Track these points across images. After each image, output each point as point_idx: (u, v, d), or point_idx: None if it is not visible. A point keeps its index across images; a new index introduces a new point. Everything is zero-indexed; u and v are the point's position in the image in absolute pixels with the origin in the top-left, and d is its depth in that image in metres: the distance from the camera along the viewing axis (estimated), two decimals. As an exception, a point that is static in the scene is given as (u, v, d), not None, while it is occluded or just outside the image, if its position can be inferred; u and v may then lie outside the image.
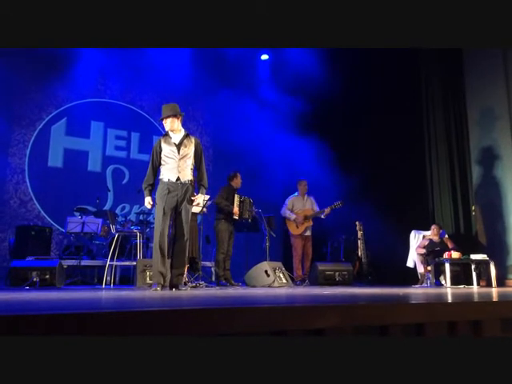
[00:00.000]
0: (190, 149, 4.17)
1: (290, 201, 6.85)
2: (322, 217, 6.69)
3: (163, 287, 3.95)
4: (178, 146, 4.11)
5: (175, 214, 4.08)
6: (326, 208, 6.62)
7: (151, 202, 4.15)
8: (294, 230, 6.72)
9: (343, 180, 7.35)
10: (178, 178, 4.07)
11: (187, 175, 4.13)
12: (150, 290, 3.92)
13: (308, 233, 6.75)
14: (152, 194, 4.19)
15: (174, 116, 4.14)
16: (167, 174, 4.10)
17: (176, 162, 4.08)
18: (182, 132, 4.22)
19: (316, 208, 6.82)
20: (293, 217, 6.68)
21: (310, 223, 6.73)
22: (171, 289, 3.99)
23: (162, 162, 4.13)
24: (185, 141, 4.16)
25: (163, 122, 4.19)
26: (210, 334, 1.51)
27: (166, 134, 4.21)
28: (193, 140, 4.23)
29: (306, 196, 6.89)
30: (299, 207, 6.78)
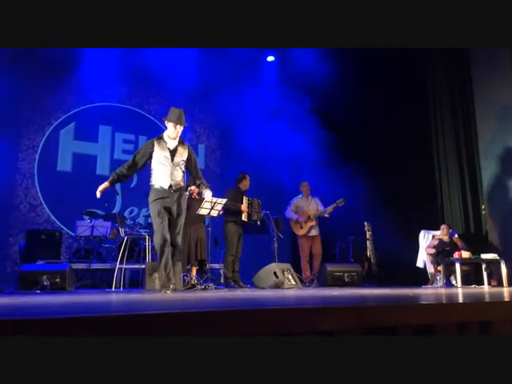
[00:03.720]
0: (183, 156, 4.10)
1: (293, 202, 6.88)
2: (326, 215, 6.67)
3: (175, 290, 3.96)
4: (173, 153, 4.04)
5: (168, 220, 4.00)
6: (328, 207, 6.62)
7: (101, 190, 4.05)
8: (298, 230, 6.73)
9: (351, 180, 7.31)
10: (171, 186, 3.99)
11: (179, 182, 4.05)
12: (161, 293, 3.93)
13: (314, 233, 6.72)
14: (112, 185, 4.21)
15: (182, 125, 4.08)
16: (159, 180, 4.00)
17: (169, 168, 4.00)
18: (177, 138, 4.13)
19: (321, 208, 6.81)
20: (294, 217, 6.69)
21: (314, 222, 6.71)
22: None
23: (154, 166, 4.04)
24: (179, 148, 4.09)
25: (174, 126, 4.04)
26: (219, 336, 1.51)
27: (161, 138, 4.10)
28: (186, 147, 4.16)
29: (309, 197, 6.88)
30: (303, 208, 6.78)
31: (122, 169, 4.13)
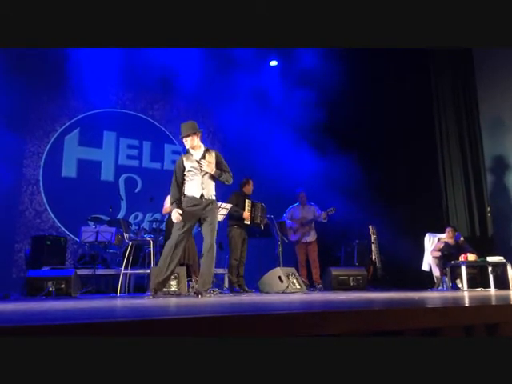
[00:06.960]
0: (211, 163, 4.23)
1: (290, 210, 7.04)
2: (323, 220, 6.76)
3: (155, 293, 4.08)
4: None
5: (199, 226, 4.21)
6: (322, 213, 6.72)
7: (180, 213, 4.08)
8: (291, 236, 6.91)
9: (356, 183, 7.31)
10: (202, 195, 4.15)
11: (211, 191, 4.21)
12: (145, 298, 4.03)
13: (309, 239, 6.85)
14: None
15: (194, 134, 4.24)
16: (191, 190, 4.17)
17: (200, 178, 4.17)
18: (202, 148, 4.31)
19: (316, 215, 6.86)
20: (288, 225, 6.87)
21: (306, 229, 6.78)
22: (196, 295, 4.08)
23: (186, 179, 4.20)
24: (206, 156, 4.25)
25: (184, 140, 4.27)
26: (224, 340, 1.51)
27: (187, 152, 4.29)
28: (213, 154, 4.31)
29: (306, 205, 7.00)
30: (298, 215, 6.93)
31: (174, 195, 4.22)
